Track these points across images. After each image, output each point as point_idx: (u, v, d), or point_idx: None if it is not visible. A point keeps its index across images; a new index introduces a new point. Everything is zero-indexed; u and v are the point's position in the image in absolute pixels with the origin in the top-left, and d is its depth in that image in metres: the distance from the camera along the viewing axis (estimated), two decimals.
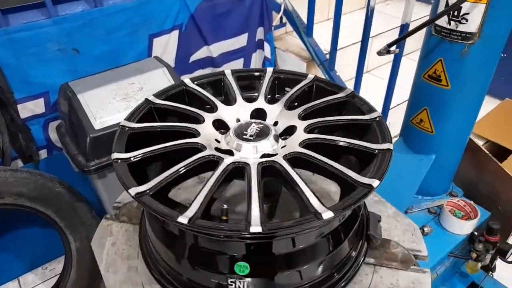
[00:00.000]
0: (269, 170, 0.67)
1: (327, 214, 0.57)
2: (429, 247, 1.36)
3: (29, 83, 1.66)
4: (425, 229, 1.37)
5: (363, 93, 2.29)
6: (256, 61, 2.41)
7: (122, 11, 1.75)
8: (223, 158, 0.70)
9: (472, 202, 1.47)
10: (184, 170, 0.68)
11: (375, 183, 0.63)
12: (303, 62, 2.40)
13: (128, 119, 0.82)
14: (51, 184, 1.65)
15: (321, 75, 2.36)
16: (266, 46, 2.38)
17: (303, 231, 0.61)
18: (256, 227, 0.56)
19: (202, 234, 0.62)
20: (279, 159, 0.67)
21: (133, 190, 0.61)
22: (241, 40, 2.27)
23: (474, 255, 1.43)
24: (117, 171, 0.67)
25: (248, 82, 1.02)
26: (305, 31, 2.32)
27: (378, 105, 2.16)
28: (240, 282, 0.64)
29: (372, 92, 2.45)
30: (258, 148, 0.74)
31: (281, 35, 2.69)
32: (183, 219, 0.56)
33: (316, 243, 0.67)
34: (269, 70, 0.98)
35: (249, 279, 0.65)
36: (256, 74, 1.01)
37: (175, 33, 1.99)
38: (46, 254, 2.04)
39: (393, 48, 1.22)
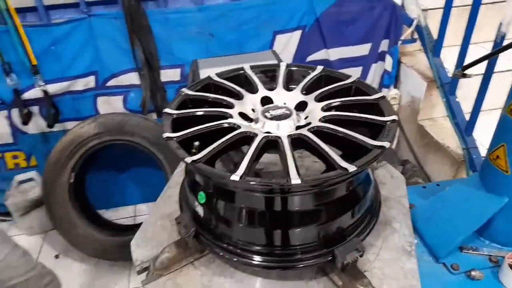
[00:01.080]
0: (243, 139, 0.84)
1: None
2: None
3: (172, 55, 2.10)
4: (473, 272, 1.26)
5: (483, 130, 2.06)
6: (375, 72, 2.43)
7: (254, 7, 2.04)
8: (232, 117, 0.90)
9: None
10: (204, 113, 0.92)
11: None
12: (424, 81, 2.30)
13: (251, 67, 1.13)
14: None
15: (439, 97, 2.24)
16: (388, 58, 2.38)
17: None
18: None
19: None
20: (260, 134, 0.83)
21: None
22: (362, 49, 2.33)
23: None
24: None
25: (318, 82, 1.14)
26: (432, 49, 2.23)
27: None
28: None
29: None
30: (268, 125, 0.90)
31: (414, 51, 2.61)
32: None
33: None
34: (352, 79, 1.07)
35: None
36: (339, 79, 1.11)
37: (298, 33, 2.19)
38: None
39: (469, 71, 1.15)
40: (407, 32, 2.35)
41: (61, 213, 2.05)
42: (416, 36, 2.43)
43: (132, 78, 2.12)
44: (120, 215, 2.45)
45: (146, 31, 2.00)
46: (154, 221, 1.05)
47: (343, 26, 2.22)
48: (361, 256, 0.85)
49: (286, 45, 2.21)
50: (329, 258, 0.83)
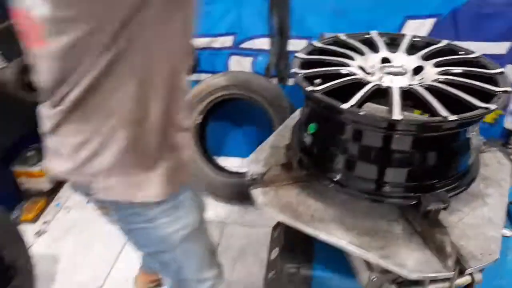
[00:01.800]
0: (358, 84, 0.96)
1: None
2: None
3: (302, 26, 2.27)
4: None
5: None
6: (509, 73, 2.27)
7: None
8: (348, 66, 1.05)
9: None
10: (327, 60, 1.11)
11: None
12: None
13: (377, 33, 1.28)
14: (281, 101, 2.28)
15: None
16: None
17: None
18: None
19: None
20: (374, 82, 0.95)
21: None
22: (499, 47, 2.20)
23: None
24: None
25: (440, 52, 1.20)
26: None
27: None
28: None
29: None
30: (383, 78, 1.01)
31: None
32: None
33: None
34: (476, 54, 1.16)
35: None
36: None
37: (431, 20, 2.16)
38: None
39: None
40: None
41: None
42: None
43: (263, 44, 2.35)
44: (228, 163, 2.76)
45: (285, 1, 2.19)
46: (266, 149, 1.25)
47: (482, 19, 2.13)
48: (445, 209, 0.93)
49: (416, 32, 2.19)
50: (414, 202, 0.92)
